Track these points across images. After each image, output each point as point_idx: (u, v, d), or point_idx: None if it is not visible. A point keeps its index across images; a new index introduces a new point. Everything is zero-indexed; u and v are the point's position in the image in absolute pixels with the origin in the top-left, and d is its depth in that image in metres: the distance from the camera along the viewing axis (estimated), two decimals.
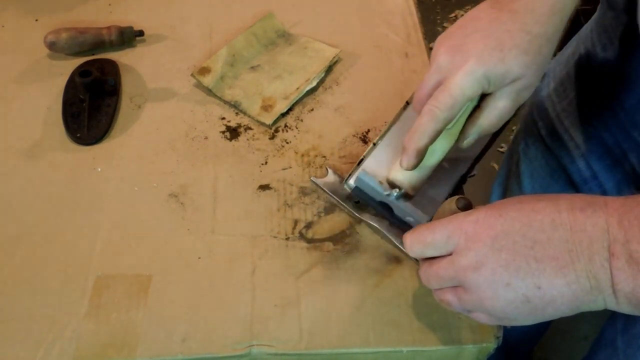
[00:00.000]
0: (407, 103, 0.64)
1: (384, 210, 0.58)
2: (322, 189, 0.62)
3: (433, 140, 0.51)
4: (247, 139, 0.68)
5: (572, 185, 0.74)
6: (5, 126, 0.68)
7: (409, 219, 0.56)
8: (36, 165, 0.65)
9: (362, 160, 0.61)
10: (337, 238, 0.60)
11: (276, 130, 0.69)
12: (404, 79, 0.76)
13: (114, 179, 0.64)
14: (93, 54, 0.76)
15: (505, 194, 0.92)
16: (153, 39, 0.79)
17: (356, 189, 0.59)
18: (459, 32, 0.51)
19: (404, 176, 0.55)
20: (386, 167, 0.59)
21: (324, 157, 0.67)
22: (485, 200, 1.09)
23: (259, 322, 0.53)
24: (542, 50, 0.49)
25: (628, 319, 0.66)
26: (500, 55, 0.48)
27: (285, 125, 0.70)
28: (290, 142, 0.68)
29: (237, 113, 0.71)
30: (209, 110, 0.71)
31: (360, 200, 0.60)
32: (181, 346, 0.52)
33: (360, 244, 0.59)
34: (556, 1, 0.50)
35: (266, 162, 0.66)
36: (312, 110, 0.72)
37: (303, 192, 0.63)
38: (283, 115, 0.71)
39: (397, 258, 0.58)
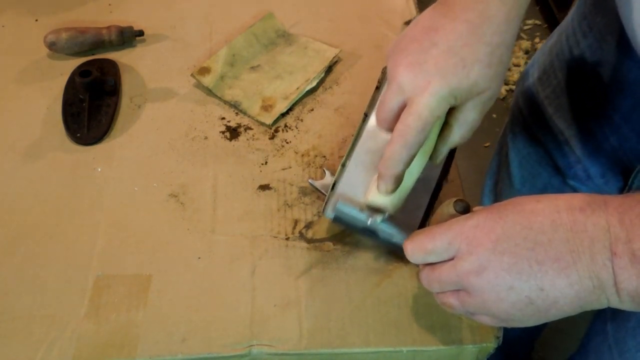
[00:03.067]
0: (366, 115, 0.61)
1: (369, 234, 0.56)
2: (320, 192, 0.62)
3: (408, 164, 0.50)
4: (247, 139, 0.68)
5: (558, 171, 0.74)
6: (5, 126, 0.68)
7: (395, 240, 0.55)
8: (36, 165, 0.65)
9: (334, 184, 0.57)
10: (337, 238, 0.60)
11: (276, 130, 0.69)
12: None
13: (114, 179, 0.64)
14: (93, 54, 0.76)
15: (496, 185, 0.93)
16: (153, 39, 0.79)
17: (336, 218, 0.57)
18: (415, 47, 0.48)
19: (384, 200, 0.53)
20: (361, 190, 0.56)
21: (324, 157, 0.67)
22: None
23: (259, 322, 0.53)
24: (503, 59, 0.48)
25: None
26: (464, 71, 0.47)
27: (285, 125, 0.70)
28: (290, 142, 0.68)
29: (237, 113, 0.71)
30: (208, 110, 0.71)
31: (343, 226, 0.59)
32: (181, 346, 0.52)
33: (360, 244, 0.59)
34: (511, 8, 0.48)
35: (266, 162, 0.66)
36: (312, 110, 0.72)
37: (303, 192, 0.63)
38: (283, 115, 0.71)
39: (398, 258, 0.58)
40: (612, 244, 0.38)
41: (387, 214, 0.54)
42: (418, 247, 0.46)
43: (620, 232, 0.38)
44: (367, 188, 0.55)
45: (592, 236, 0.39)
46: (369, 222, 0.54)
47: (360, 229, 0.56)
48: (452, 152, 0.58)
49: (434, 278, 0.46)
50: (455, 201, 0.48)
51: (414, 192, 0.54)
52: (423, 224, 0.56)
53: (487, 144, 1.82)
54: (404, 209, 0.54)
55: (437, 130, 0.52)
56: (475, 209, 0.47)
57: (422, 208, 0.57)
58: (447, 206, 0.49)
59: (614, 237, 0.38)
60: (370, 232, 0.56)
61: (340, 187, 0.57)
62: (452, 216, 0.47)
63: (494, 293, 0.42)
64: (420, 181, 0.54)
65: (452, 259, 0.45)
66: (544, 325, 1.11)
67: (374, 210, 0.54)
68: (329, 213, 0.56)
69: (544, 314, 0.42)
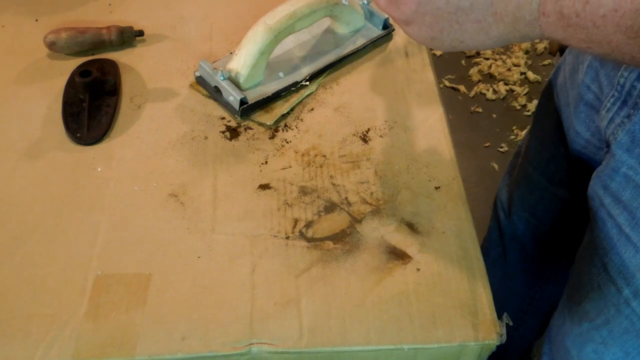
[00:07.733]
0: None
1: (217, 95, 0.70)
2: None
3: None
4: (247, 139, 0.68)
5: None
6: (5, 126, 0.68)
7: (231, 98, 0.68)
8: (36, 165, 0.65)
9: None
10: (337, 237, 0.60)
11: (276, 130, 0.69)
12: (404, 78, 0.76)
13: (114, 179, 0.64)
14: (93, 54, 0.76)
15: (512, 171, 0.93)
16: (153, 39, 0.79)
17: (199, 78, 0.72)
18: None
19: (235, 65, 0.69)
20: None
21: (324, 156, 0.67)
22: (486, 201, 1.08)
23: (258, 320, 0.53)
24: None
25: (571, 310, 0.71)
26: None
27: (285, 125, 0.70)
28: (291, 141, 0.68)
29: None
30: (209, 110, 0.71)
31: (204, 87, 0.72)
32: (181, 345, 0.52)
33: (360, 243, 0.59)
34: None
35: (266, 162, 0.66)
36: (312, 109, 0.72)
37: (303, 191, 0.63)
38: (283, 115, 0.71)
39: (398, 256, 0.58)
40: (540, 5, 0.40)
41: (229, 74, 0.69)
42: None
43: None
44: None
45: (519, 1, 0.40)
46: (216, 77, 0.69)
47: (212, 88, 0.70)
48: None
49: None
50: None
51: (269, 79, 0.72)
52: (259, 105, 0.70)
53: (487, 144, 1.82)
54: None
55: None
56: None
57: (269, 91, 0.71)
58: None
59: None
60: (219, 91, 0.70)
61: (222, 60, 0.73)
62: None
63: (419, 38, 0.47)
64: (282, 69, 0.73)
65: None
66: (543, 329, 1.10)
67: (228, 72, 0.70)
68: (196, 74, 0.72)
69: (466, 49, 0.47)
